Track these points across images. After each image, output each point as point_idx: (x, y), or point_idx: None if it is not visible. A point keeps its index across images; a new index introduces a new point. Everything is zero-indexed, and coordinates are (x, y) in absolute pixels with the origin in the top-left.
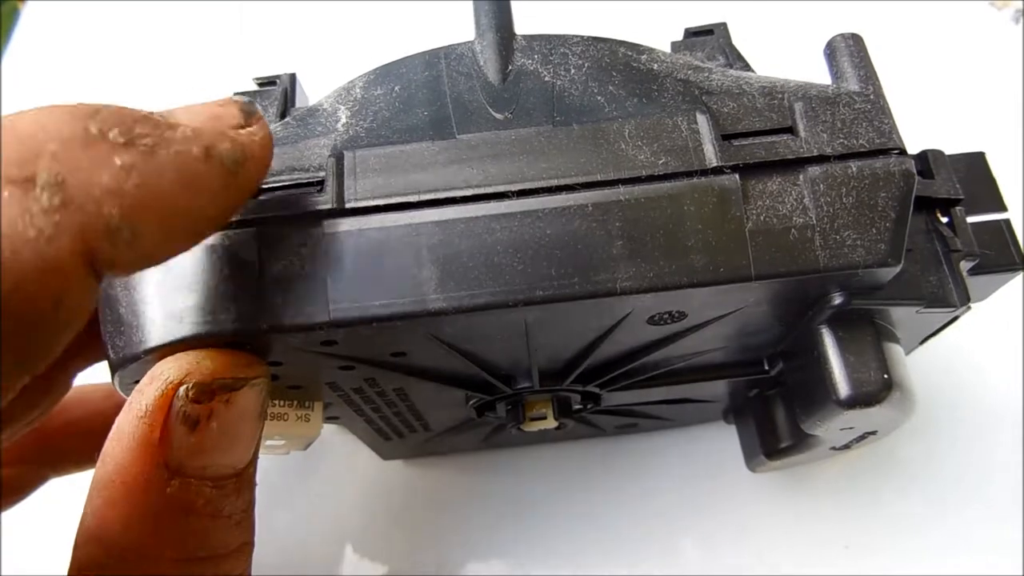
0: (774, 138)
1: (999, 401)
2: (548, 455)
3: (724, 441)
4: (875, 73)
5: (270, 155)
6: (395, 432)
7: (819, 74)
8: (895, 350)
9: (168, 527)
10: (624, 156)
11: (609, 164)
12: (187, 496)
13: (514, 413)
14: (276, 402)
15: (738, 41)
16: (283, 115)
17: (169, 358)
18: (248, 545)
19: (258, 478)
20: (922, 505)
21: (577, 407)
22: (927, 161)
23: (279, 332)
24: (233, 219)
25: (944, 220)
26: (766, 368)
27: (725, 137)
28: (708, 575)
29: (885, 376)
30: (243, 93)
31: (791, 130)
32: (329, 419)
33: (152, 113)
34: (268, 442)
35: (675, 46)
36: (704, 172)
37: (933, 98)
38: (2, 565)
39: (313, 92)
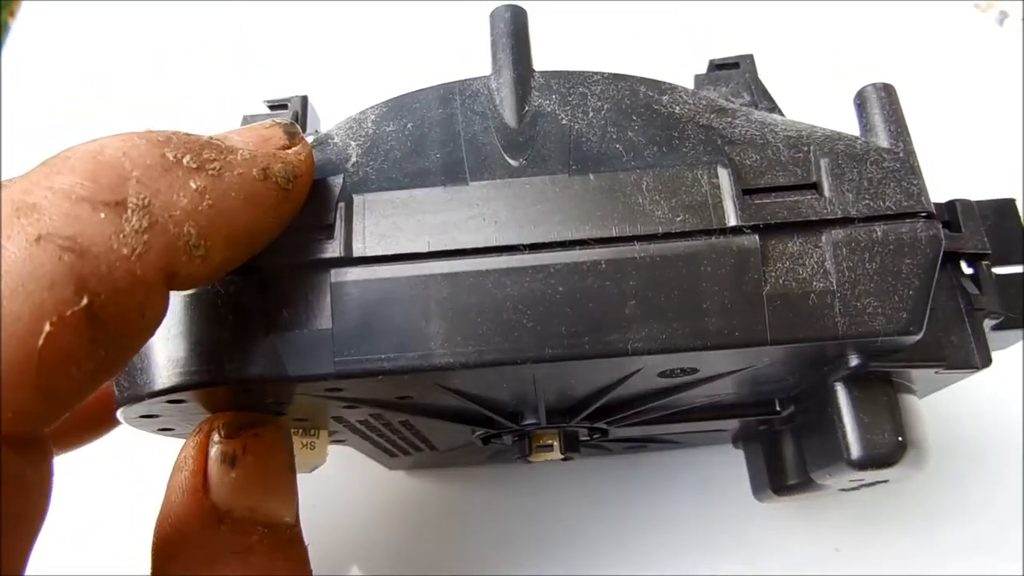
0: (797, 196)
1: (997, 400)
2: (555, 468)
3: (725, 456)
4: (906, 128)
5: (312, 170)
6: (400, 451)
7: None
8: (911, 402)
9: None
10: (641, 211)
11: (625, 219)
12: (242, 539)
13: (520, 446)
14: None
15: (763, 67)
16: None
17: None
18: None
19: None
20: (914, 506)
21: (584, 439)
22: (955, 212)
23: (282, 382)
24: (239, 265)
25: (968, 271)
26: (778, 409)
27: (747, 191)
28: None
29: (899, 439)
30: (253, 117)
31: (815, 187)
32: (334, 441)
33: (212, 138)
34: None
35: (699, 80)
36: (723, 231)
37: (917, 99)
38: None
39: (325, 111)
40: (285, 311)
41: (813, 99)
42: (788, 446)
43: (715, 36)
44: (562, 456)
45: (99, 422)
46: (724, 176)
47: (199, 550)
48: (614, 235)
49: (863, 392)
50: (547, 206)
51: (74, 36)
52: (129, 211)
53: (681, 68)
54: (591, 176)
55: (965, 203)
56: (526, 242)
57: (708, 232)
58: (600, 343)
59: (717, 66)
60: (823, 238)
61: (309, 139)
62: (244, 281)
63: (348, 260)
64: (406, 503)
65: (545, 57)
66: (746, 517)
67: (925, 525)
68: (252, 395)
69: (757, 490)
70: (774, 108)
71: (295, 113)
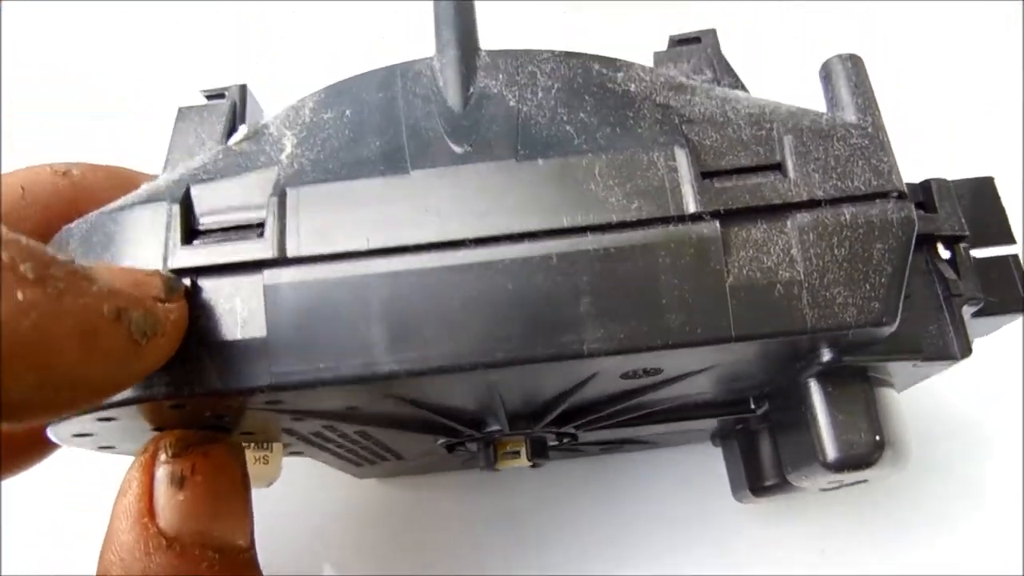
0: (760, 178)
1: (993, 393)
2: (529, 472)
3: (704, 456)
4: (875, 101)
5: (181, 337)
6: (365, 461)
7: (811, 78)
8: (888, 396)
9: None
10: (594, 198)
11: (577, 208)
12: (191, 566)
13: (485, 454)
14: None
15: (728, 49)
16: (230, 132)
17: None
18: None
19: None
20: (905, 505)
21: (553, 444)
22: (930, 192)
23: (215, 396)
24: (168, 268)
25: (946, 255)
26: (752, 408)
27: (706, 175)
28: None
29: (877, 438)
30: (190, 108)
31: (779, 167)
32: (291, 453)
33: (74, 262)
34: None
35: (658, 57)
36: (681, 219)
37: (895, 72)
38: (2, 565)
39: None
40: (214, 318)
41: (786, 75)
42: (765, 445)
43: (678, 10)
44: (530, 463)
45: (32, 445)
46: (682, 158)
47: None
48: (565, 226)
49: (838, 389)
50: (494, 195)
51: (64, 33)
52: None
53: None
54: (540, 161)
55: (940, 182)
56: (471, 236)
57: (666, 220)
58: (553, 345)
59: (677, 41)
60: (788, 223)
61: (244, 129)
62: None
63: (282, 261)
64: (379, 511)
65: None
66: (728, 518)
67: (916, 524)
68: (190, 411)
69: (736, 490)
70: (737, 85)
71: (232, 104)
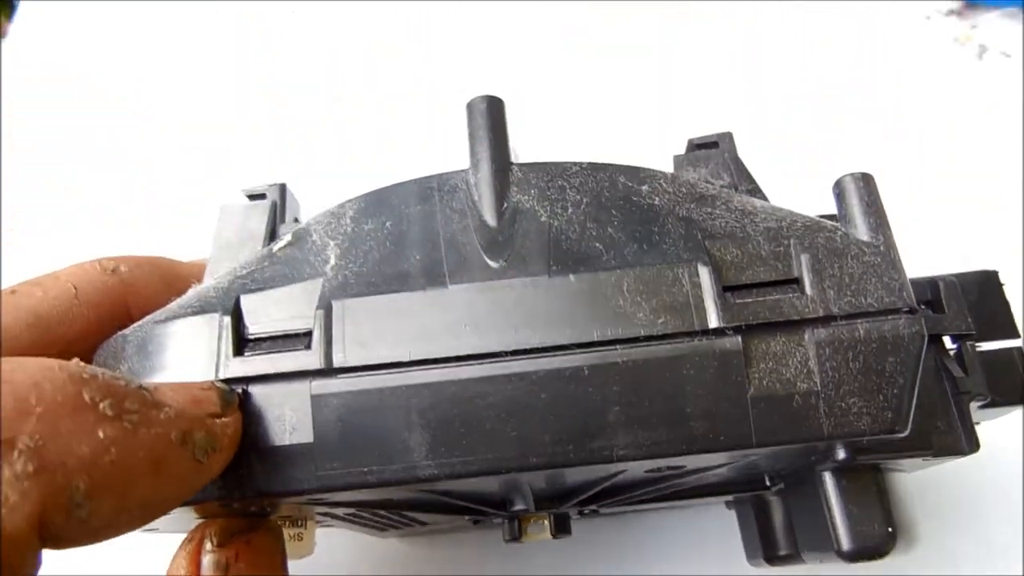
0: (779, 295)
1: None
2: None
3: (719, 517)
4: (886, 219)
5: (235, 447)
6: (391, 528)
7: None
8: (898, 480)
9: None
10: (622, 313)
11: (607, 322)
12: None
13: (510, 529)
14: None
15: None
16: (273, 233)
17: None
18: None
19: None
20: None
21: (575, 518)
22: (937, 291)
23: (265, 498)
24: (219, 378)
25: (952, 348)
26: (768, 485)
27: (728, 288)
28: None
29: (889, 529)
30: (231, 206)
31: (797, 281)
32: (322, 526)
33: (141, 387)
34: None
35: (678, 161)
36: (705, 333)
37: (901, 137)
38: None
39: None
40: (264, 425)
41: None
42: (778, 515)
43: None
44: (553, 537)
45: None
46: (705, 274)
47: None
48: (596, 339)
49: (852, 483)
50: (528, 310)
51: (72, 38)
52: (15, 452)
53: (662, 144)
54: (571, 277)
55: (948, 282)
56: (507, 349)
57: (690, 334)
58: (585, 451)
59: (696, 146)
60: (806, 336)
61: (288, 230)
62: None
63: (328, 371)
64: (399, 568)
65: (527, 138)
66: None
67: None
68: (237, 505)
69: (751, 556)
70: (754, 189)
71: (273, 203)
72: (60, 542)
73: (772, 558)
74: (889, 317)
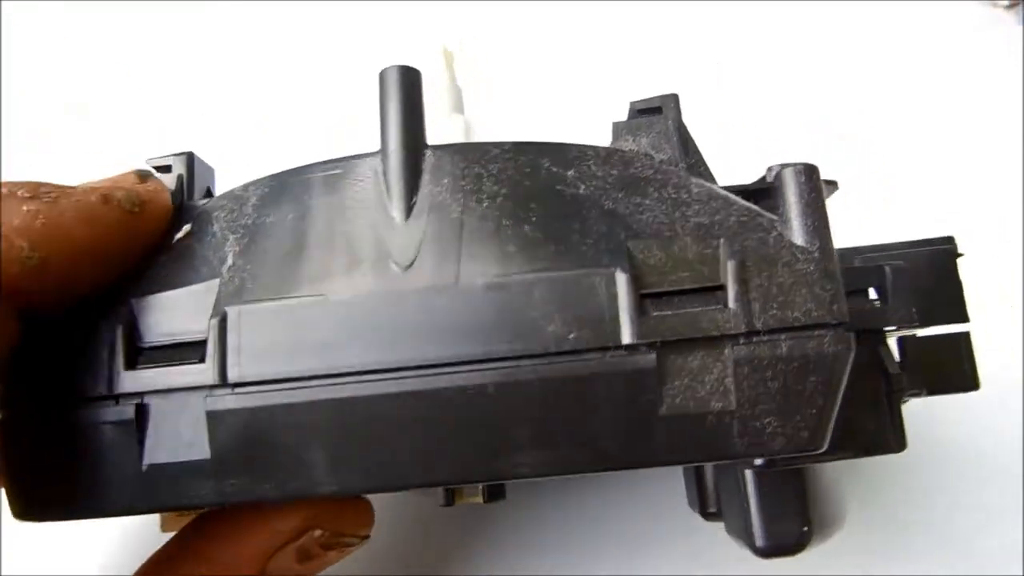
0: (700, 305)
1: (994, 389)
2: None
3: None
4: (826, 220)
5: (167, 202)
6: None
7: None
8: (820, 473)
9: None
10: (533, 326)
11: (517, 336)
12: None
13: (445, 495)
14: None
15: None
16: (180, 207)
17: None
18: None
19: None
20: (909, 506)
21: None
22: (883, 276)
23: (162, 512)
24: (112, 392)
25: (895, 336)
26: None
27: (647, 296)
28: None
29: (804, 529)
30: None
31: (722, 288)
32: None
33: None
34: None
35: (617, 129)
36: (618, 348)
37: (924, 97)
38: (2, 565)
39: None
40: (160, 438)
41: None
42: (710, 477)
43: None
44: (484, 502)
45: None
46: (623, 283)
47: None
48: (504, 354)
49: (770, 483)
50: (433, 320)
51: (64, 33)
52: None
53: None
54: (480, 283)
55: (896, 268)
56: (409, 364)
57: (603, 349)
58: (488, 468)
59: (638, 111)
60: (725, 352)
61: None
62: (116, 410)
63: (223, 386)
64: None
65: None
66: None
67: (922, 524)
68: None
69: (692, 502)
70: (697, 163)
71: (179, 177)
72: (35, 295)
73: (707, 515)
74: (816, 332)
